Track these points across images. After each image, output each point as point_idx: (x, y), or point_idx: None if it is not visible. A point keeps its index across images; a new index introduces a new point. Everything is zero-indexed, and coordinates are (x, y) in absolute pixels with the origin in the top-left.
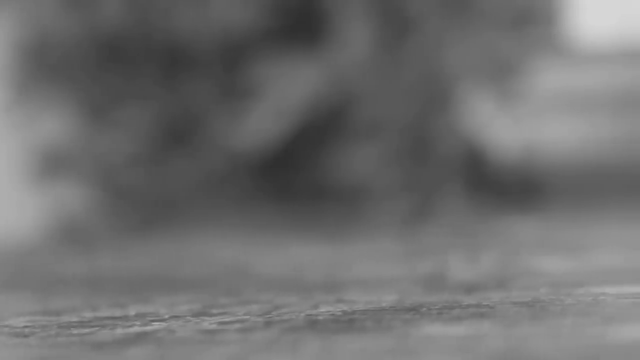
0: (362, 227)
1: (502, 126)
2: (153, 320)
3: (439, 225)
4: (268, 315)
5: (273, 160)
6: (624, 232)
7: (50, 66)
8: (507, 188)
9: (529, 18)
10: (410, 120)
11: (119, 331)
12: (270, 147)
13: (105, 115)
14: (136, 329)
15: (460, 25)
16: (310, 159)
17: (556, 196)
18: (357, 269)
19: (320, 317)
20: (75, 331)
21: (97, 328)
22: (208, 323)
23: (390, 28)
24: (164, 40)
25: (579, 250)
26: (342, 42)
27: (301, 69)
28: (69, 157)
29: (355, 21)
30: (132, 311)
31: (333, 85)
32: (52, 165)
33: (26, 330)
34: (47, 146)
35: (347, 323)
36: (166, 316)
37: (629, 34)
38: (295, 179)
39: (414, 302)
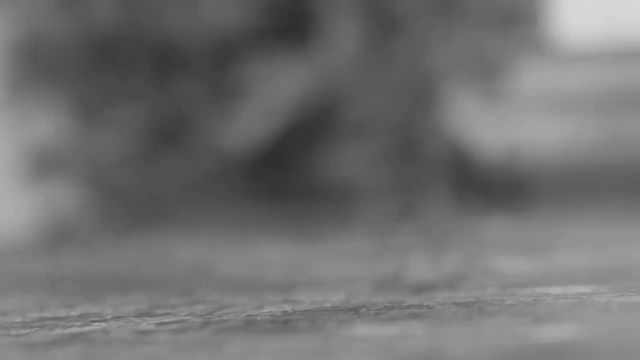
0: (347, 226)
1: (487, 126)
2: (95, 321)
3: (415, 224)
4: (209, 316)
5: (263, 159)
6: (599, 232)
7: (43, 66)
8: (491, 188)
9: (513, 18)
10: (398, 120)
11: (57, 332)
12: (259, 147)
13: (97, 115)
14: (74, 329)
15: (447, 25)
16: (299, 159)
17: (539, 196)
18: (318, 268)
19: (258, 318)
20: (14, 332)
21: (36, 329)
22: (147, 324)
23: (378, 28)
24: (155, 41)
25: (546, 250)
26: (330, 42)
27: (290, 68)
28: (61, 156)
29: (344, 21)
30: (78, 311)
31: (321, 84)
32: (44, 164)
33: None
34: (40, 146)
35: (283, 324)
36: (109, 317)
37: (612, 33)
38: (284, 178)
39: (357, 303)
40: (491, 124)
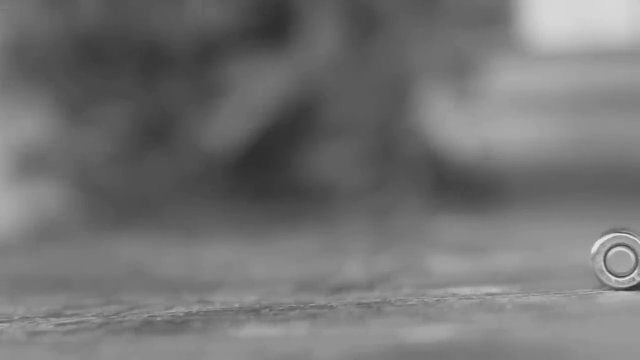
0: (319, 225)
1: (460, 125)
2: (0, 321)
3: (380, 224)
4: (113, 317)
5: (245, 159)
6: (557, 232)
7: (29, 66)
8: (464, 187)
9: (487, 17)
10: (377, 120)
11: None
12: (239, 147)
13: (83, 114)
14: None
15: (425, 25)
16: (281, 158)
17: (512, 196)
18: (254, 268)
19: (158, 319)
20: None
21: None
22: (48, 324)
23: (358, 27)
24: (141, 40)
25: (488, 250)
26: (310, 42)
27: (270, 68)
28: (46, 156)
29: (324, 20)
30: None
31: (302, 84)
32: (30, 164)
33: None
34: (25, 145)
35: (178, 325)
36: (16, 317)
37: (586, 34)
38: (267, 178)
39: (266, 303)
40: (465, 123)
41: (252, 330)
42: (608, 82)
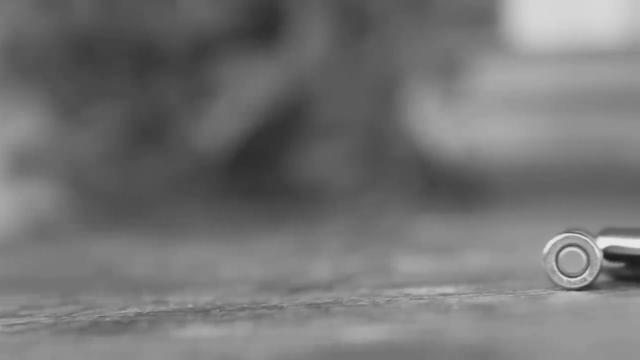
0: (308, 225)
1: (448, 125)
2: None
3: (360, 223)
4: (65, 317)
5: (236, 159)
6: (535, 232)
7: (23, 66)
8: (450, 188)
9: (473, 17)
10: (368, 120)
11: None
12: (231, 147)
13: (76, 114)
14: None
15: (415, 24)
16: (272, 158)
17: (498, 196)
18: (224, 268)
19: (107, 319)
20: None
21: None
22: None
23: (349, 27)
24: (134, 41)
25: (461, 250)
26: (301, 42)
27: (261, 68)
28: (40, 155)
29: (314, 20)
30: None
31: (293, 84)
32: (23, 163)
33: None
34: (19, 145)
35: (125, 325)
36: None
37: (572, 34)
38: (257, 178)
39: (219, 303)
40: (452, 123)
41: (195, 330)
42: (595, 82)
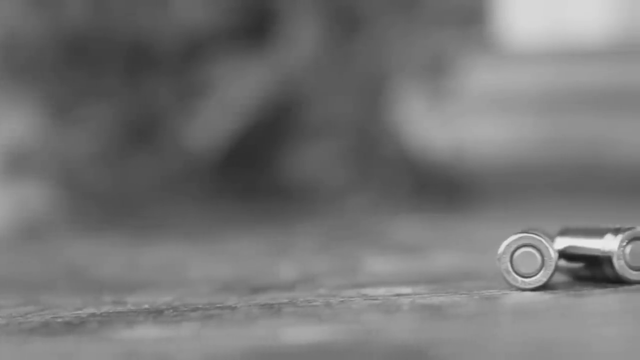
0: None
1: (435, 125)
2: None
3: (334, 223)
4: (18, 318)
5: (228, 159)
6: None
7: (16, 66)
8: (437, 187)
9: (461, 17)
10: (357, 119)
11: None
12: (222, 146)
13: (69, 114)
14: None
15: (404, 24)
16: (264, 158)
17: (485, 195)
18: (194, 268)
19: (59, 320)
20: None
21: None
22: None
23: (339, 27)
24: (127, 41)
25: (433, 250)
26: (291, 42)
27: (252, 68)
28: (32, 155)
29: (305, 20)
30: None
31: (283, 84)
32: (16, 163)
33: None
34: (12, 145)
35: (74, 326)
36: None
37: (559, 34)
38: (250, 177)
39: (175, 304)
40: (439, 123)
41: (141, 331)
42: (582, 82)
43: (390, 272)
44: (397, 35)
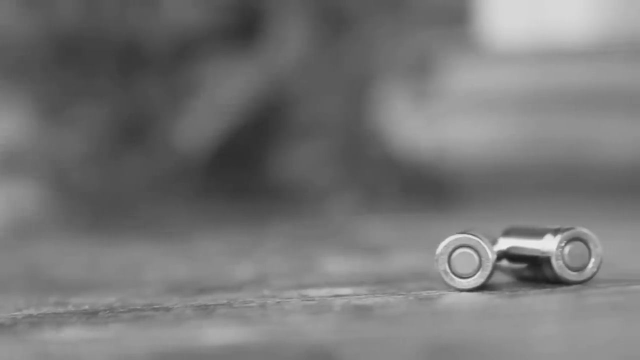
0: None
1: (419, 125)
2: None
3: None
4: None
5: (217, 159)
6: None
7: (8, 66)
8: (420, 187)
9: (444, 17)
10: (345, 119)
11: None
12: (211, 146)
13: (60, 114)
14: None
15: (391, 24)
16: (253, 158)
17: (467, 196)
18: (151, 269)
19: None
20: None
21: None
22: None
23: (327, 27)
24: (118, 40)
25: (395, 250)
26: (280, 41)
27: (241, 67)
28: (24, 155)
29: (293, 20)
30: None
31: (272, 84)
32: (7, 163)
33: None
34: (3, 145)
35: (5, 328)
36: None
37: (543, 34)
38: (239, 177)
39: (115, 305)
40: (423, 123)
41: (67, 333)
42: (565, 82)
43: (342, 273)
44: (384, 35)
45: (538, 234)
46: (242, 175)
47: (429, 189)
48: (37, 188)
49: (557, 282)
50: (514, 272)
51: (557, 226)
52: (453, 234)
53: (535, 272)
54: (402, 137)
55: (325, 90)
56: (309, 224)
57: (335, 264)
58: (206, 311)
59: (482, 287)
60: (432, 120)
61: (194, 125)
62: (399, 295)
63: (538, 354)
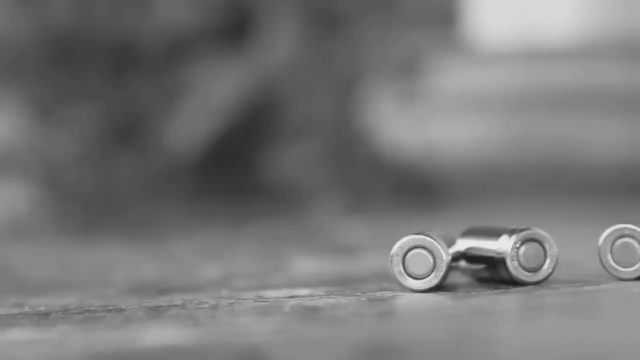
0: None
1: (405, 125)
2: None
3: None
4: None
5: (208, 159)
6: None
7: (1, 67)
8: (407, 188)
9: (431, 17)
10: (336, 120)
11: None
12: (201, 147)
13: (52, 114)
14: None
15: (381, 24)
16: (243, 159)
17: (453, 196)
18: (123, 269)
19: None
20: None
21: None
22: None
23: (317, 27)
24: (111, 41)
25: (367, 251)
26: (270, 42)
27: (231, 68)
28: (16, 155)
29: (283, 20)
30: None
31: (262, 84)
32: (0, 164)
33: None
34: None
35: None
36: None
37: (530, 34)
38: (231, 178)
39: (71, 307)
40: (409, 123)
41: (12, 335)
42: (552, 83)
43: (307, 274)
44: (374, 36)
45: (495, 234)
46: (233, 176)
47: (416, 189)
48: (29, 188)
49: (512, 282)
50: (472, 273)
51: (513, 226)
52: (408, 235)
53: (492, 272)
54: (390, 137)
55: (315, 91)
56: (288, 224)
57: (304, 265)
58: (157, 312)
59: (437, 288)
60: (419, 120)
61: (186, 125)
62: (354, 296)
63: (483, 354)
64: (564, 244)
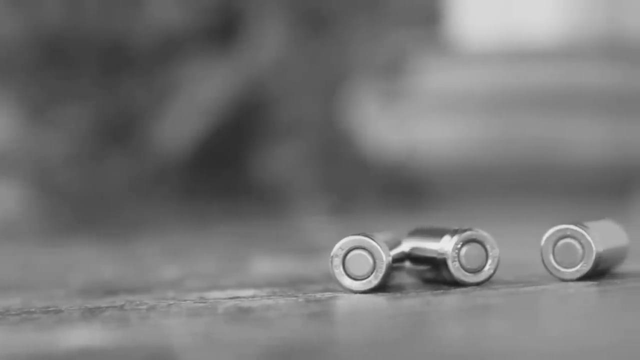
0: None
1: (388, 125)
2: None
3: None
4: None
5: (197, 160)
6: None
7: None
8: (391, 188)
9: (415, 17)
10: (323, 120)
11: None
12: (190, 147)
13: (43, 115)
14: None
15: (368, 25)
16: (232, 159)
17: (435, 196)
18: (83, 270)
19: None
20: None
21: None
22: None
23: (305, 28)
24: (102, 41)
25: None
26: (258, 42)
27: (219, 68)
28: (7, 155)
29: (271, 21)
30: None
31: (250, 84)
32: None
33: None
34: None
35: None
36: None
37: (514, 35)
38: (219, 178)
39: (13, 308)
40: (392, 123)
41: None
42: (534, 83)
43: (263, 275)
44: (360, 36)
45: (438, 235)
46: (222, 176)
47: (401, 189)
48: (21, 188)
49: (454, 283)
50: (418, 273)
51: (456, 227)
52: (349, 235)
53: (436, 273)
54: (374, 137)
55: (302, 91)
56: (263, 224)
57: (262, 266)
58: (93, 314)
59: (377, 289)
60: (403, 120)
61: (175, 125)
62: (293, 297)
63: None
64: (524, 244)
